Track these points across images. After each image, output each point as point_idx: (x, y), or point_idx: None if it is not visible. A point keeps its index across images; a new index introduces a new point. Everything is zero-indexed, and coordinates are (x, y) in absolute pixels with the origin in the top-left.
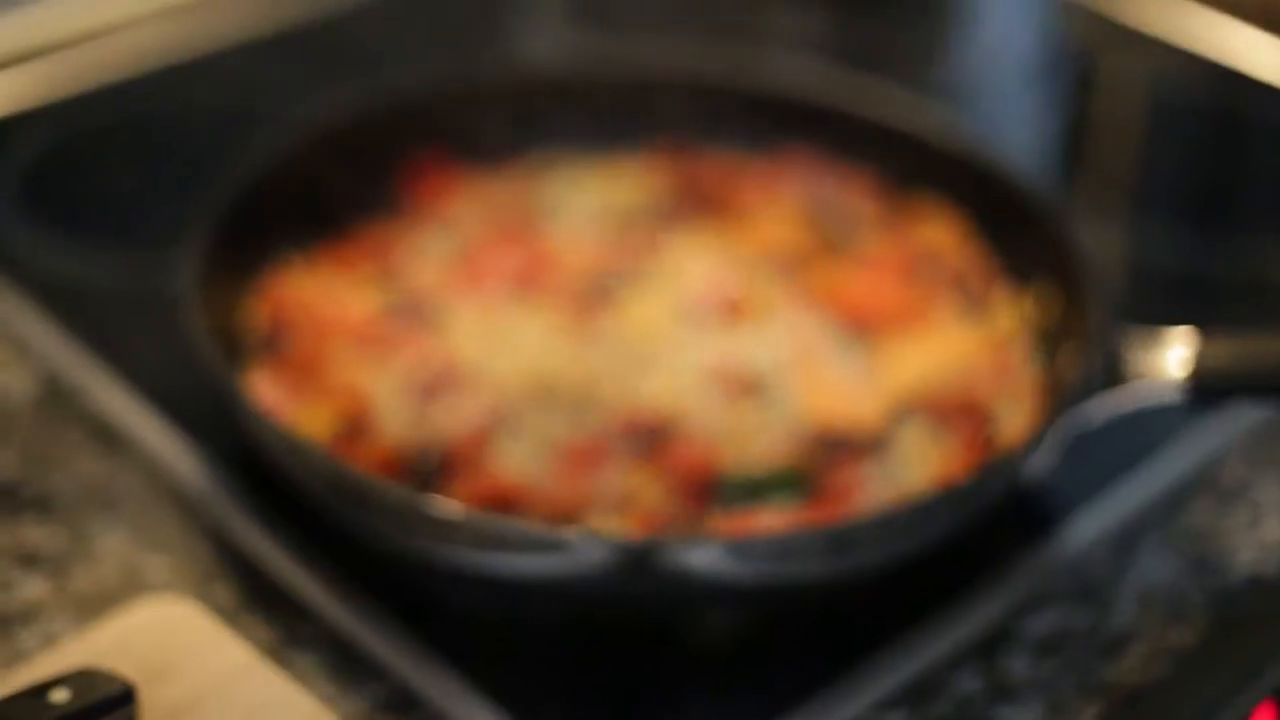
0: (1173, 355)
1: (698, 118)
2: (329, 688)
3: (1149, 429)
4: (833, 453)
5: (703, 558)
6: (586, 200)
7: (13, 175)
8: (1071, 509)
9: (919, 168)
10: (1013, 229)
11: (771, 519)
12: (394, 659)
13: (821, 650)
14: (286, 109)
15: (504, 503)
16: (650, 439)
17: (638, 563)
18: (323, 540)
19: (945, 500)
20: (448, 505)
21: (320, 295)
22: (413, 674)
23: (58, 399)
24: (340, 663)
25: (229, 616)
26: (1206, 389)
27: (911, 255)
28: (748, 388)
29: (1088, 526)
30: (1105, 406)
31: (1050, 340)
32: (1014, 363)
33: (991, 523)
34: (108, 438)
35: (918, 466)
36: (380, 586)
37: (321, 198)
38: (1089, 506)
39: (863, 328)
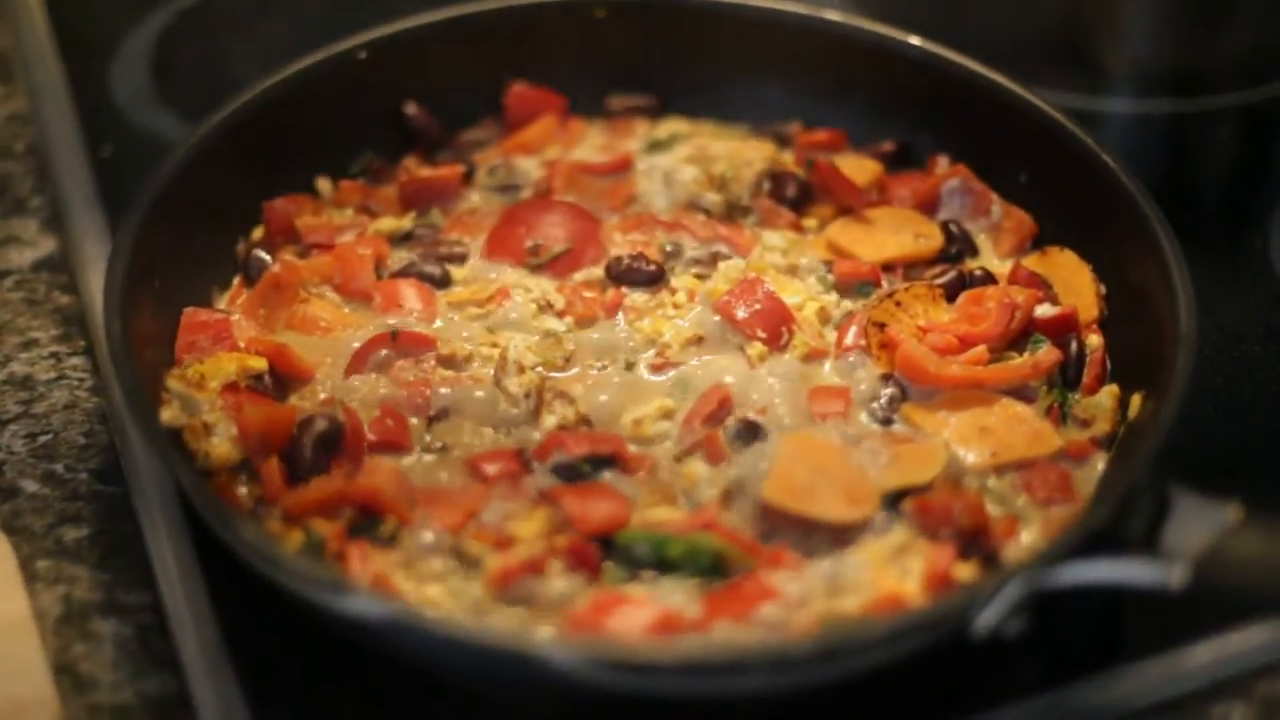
0: (1193, 531)
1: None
2: (112, 669)
3: (1184, 609)
4: (781, 536)
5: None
6: (684, 163)
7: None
8: (1051, 684)
9: (1081, 226)
10: (1148, 326)
11: (645, 610)
12: (195, 654)
13: None
14: None
15: (374, 502)
16: (576, 471)
17: (402, 631)
18: (192, 522)
19: (849, 645)
20: (248, 529)
21: (326, 225)
22: (202, 675)
23: (52, 270)
24: (140, 644)
25: (62, 559)
26: (1216, 581)
27: (1026, 320)
28: (736, 429)
29: (1064, 709)
30: (1093, 573)
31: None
32: (1079, 484)
33: (928, 678)
34: (69, 328)
35: (873, 580)
36: (220, 582)
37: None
38: (1075, 686)
39: (924, 387)
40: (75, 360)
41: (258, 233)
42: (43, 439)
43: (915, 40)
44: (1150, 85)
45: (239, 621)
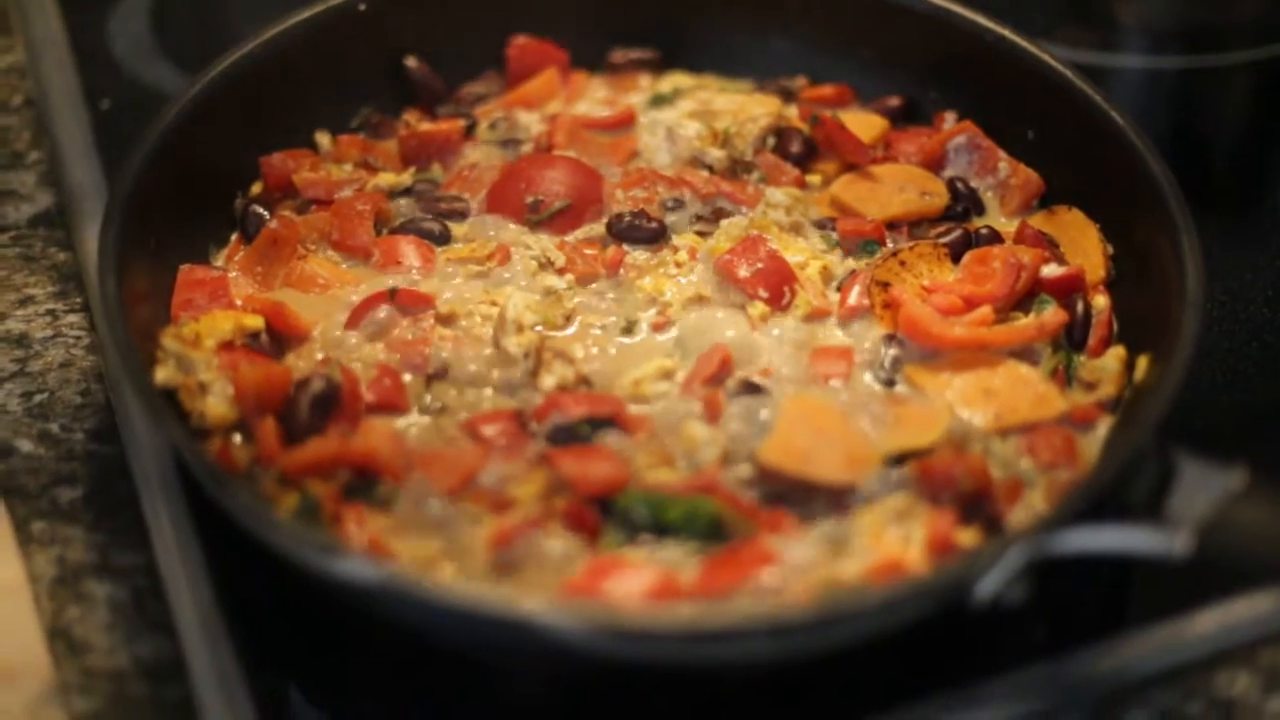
0: (1197, 498)
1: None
2: (106, 633)
3: (1188, 576)
4: (780, 499)
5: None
6: (687, 118)
7: None
8: (1054, 650)
9: (1089, 185)
10: (1155, 287)
11: (643, 574)
12: (190, 618)
13: None
14: None
15: (371, 463)
16: (574, 432)
17: (395, 596)
18: (187, 484)
19: (847, 614)
20: (241, 491)
21: (324, 181)
22: (197, 639)
23: (49, 226)
24: (134, 607)
25: (57, 520)
26: (1220, 548)
27: (1032, 280)
28: (736, 390)
29: (1066, 676)
30: (1095, 540)
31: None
32: (1083, 448)
33: (930, 644)
34: (66, 285)
35: (873, 545)
36: (215, 544)
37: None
38: (1078, 652)
39: (928, 348)
40: (72, 318)
41: (256, 188)
42: (38, 398)
43: None
44: (1162, 41)
45: (234, 584)
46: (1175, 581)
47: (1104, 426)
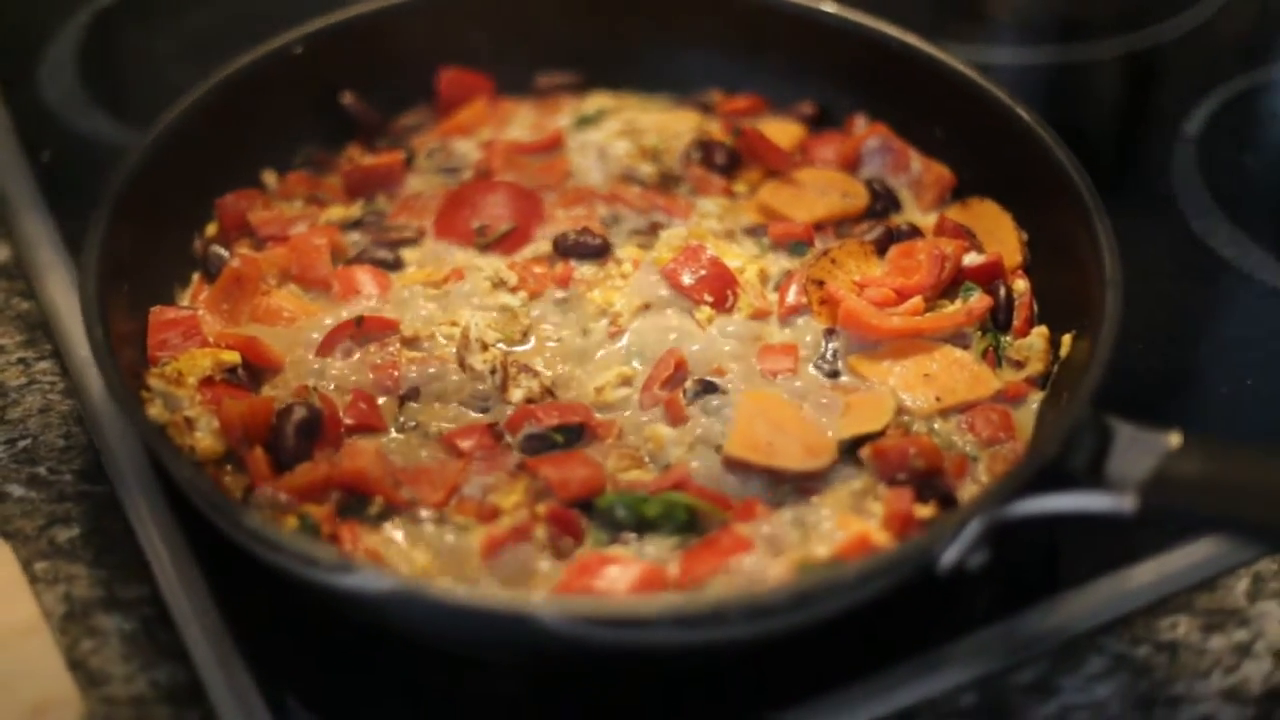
0: (1136, 460)
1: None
2: (122, 662)
3: (1134, 533)
4: (749, 488)
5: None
6: (616, 138)
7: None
8: (1007, 612)
9: (998, 176)
10: (1071, 269)
11: (629, 569)
12: (200, 642)
13: None
14: None
15: (361, 483)
16: (547, 441)
17: (407, 603)
18: (179, 514)
19: (819, 590)
20: (250, 517)
21: (278, 218)
22: (210, 661)
23: (8, 277)
24: (146, 636)
25: (58, 559)
26: (1165, 504)
27: (956, 269)
28: (695, 390)
29: (1020, 633)
30: (1052, 504)
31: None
32: (1018, 422)
33: (902, 612)
34: (33, 334)
35: (839, 525)
36: (216, 568)
37: (325, 115)
38: (1029, 611)
39: (867, 339)
40: (43, 365)
41: (211, 229)
42: (22, 444)
43: (829, 7)
44: (1038, 34)
45: (239, 606)
46: (1110, 538)
47: (1035, 401)
